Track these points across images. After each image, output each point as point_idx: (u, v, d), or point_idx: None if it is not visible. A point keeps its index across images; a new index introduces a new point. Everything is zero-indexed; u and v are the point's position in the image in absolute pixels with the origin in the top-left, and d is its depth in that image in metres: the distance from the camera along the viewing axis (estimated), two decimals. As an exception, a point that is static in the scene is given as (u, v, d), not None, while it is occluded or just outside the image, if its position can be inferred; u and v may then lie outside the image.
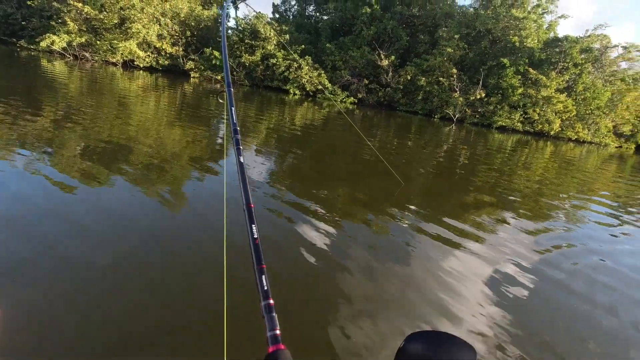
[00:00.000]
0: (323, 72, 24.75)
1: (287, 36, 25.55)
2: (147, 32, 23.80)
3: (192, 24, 25.71)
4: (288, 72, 24.18)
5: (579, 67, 23.16)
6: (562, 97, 22.57)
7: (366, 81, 25.41)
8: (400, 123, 19.37)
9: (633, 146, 25.78)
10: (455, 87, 23.95)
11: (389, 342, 2.52)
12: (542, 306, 3.36)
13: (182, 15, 25.48)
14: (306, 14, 33.93)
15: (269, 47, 24.66)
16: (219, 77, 24.97)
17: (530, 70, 22.75)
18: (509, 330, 2.84)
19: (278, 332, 0.36)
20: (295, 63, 23.95)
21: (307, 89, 24.34)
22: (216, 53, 24.38)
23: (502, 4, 24.29)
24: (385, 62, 24.79)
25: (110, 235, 3.34)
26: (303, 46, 25.34)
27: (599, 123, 24.08)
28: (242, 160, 0.51)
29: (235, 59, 25.01)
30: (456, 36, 24.23)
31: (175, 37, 25.69)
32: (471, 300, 3.18)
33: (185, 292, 2.71)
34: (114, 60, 24.33)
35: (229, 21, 30.12)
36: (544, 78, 22.37)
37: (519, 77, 23.04)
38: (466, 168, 9.66)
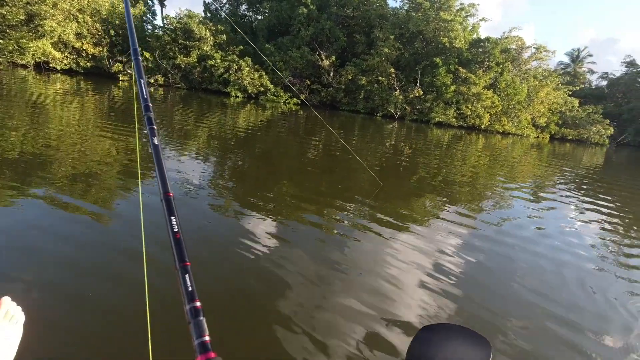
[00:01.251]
0: (264, 73, 24.18)
1: (224, 37, 24.56)
2: (64, 31, 21.33)
3: (116, 22, 23.59)
4: (228, 74, 23.21)
5: (501, 66, 25.36)
6: (490, 93, 24.54)
7: (308, 82, 25.35)
8: (344, 122, 19.55)
9: (548, 136, 28.90)
10: (395, 86, 24.83)
11: (330, 340, 2.33)
12: (491, 275, 3.61)
13: (104, 12, 23.26)
14: (239, 13, 32.99)
15: (205, 48, 23.50)
16: (152, 80, 23.24)
17: (460, 69, 24.40)
18: (459, 303, 2.92)
19: (207, 338, 0.33)
20: (234, 64, 23.09)
21: (249, 91, 23.60)
22: (147, 54, 22.66)
23: (430, 7, 25.71)
24: (326, 63, 24.94)
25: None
26: (241, 47, 24.55)
27: (520, 116, 26.57)
28: (156, 142, 0.45)
29: (169, 60, 23.46)
30: (391, 37, 25.14)
31: (97, 36, 23.38)
32: (420, 281, 3.23)
33: (106, 302, 2.46)
34: (24, 62, 21.42)
35: (154, 19, 28.29)
36: (473, 76, 24.12)
37: (451, 75, 24.59)
38: (409, 162, 9.99)
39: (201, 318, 0.35)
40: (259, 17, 31.44)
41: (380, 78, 24.83)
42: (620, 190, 10.08)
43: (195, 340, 0.34)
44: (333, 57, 25.17)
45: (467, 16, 27.35)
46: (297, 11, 26.12)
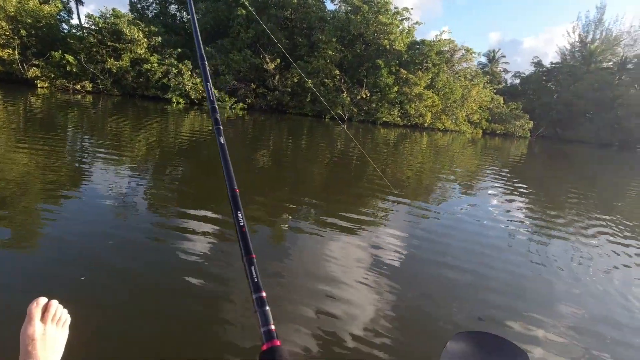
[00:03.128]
0: (206, 77, 22.97)
1: (159, 38, 22.90)
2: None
3: (28, 21, 20.80)
4: (167, 78, 21.63)
5: (437, 67, 26.86)
6: (430, 93, 25.85)
7: (253, 85, 24.60)
8: (292, 126, 19.27)
9: (480, 131, 31.27)
10: (342, 88, 25.08)
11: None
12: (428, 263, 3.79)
13: (11, 9, 20.33)
14: (169, 13, 30.98)
15: (138, 51, 21.68)
16: (78, 87, 20.90)
17: (402, 70, 25.38)
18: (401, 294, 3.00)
19: (272, 327, 0.34)
20: (173, 68, 21.61)
21: (192, 97, 22.23)
22: (70, 58, 20.32)
23: (369, 10, 26.41)
24: (271, 66, 24.42)
25: None
26: (179, 49, 23.08)
27: (457, 114, 28.40)
28: (222, 141, 0.46)
29: (97, 64, 21.28)
30: (334, 39, 25.39)
31: (4, 37, 20.44)
32: (370, 275, 3.27)
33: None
34: None
35: (71, 18, 25.53)
36: (413, 77, 25.24)
37: (393, 76, 25.49)
38: (359, 161, 10.11)
39: (267, 308, 0.36)
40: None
41: (325, 80, 24.95)
42: (541, 175, 12.06)
43: (261, 328, 0.35)
44: (278, 60, 24.71)
45: (402, 20, 28.59)
46: (236, 12, 25.25)
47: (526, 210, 6.51)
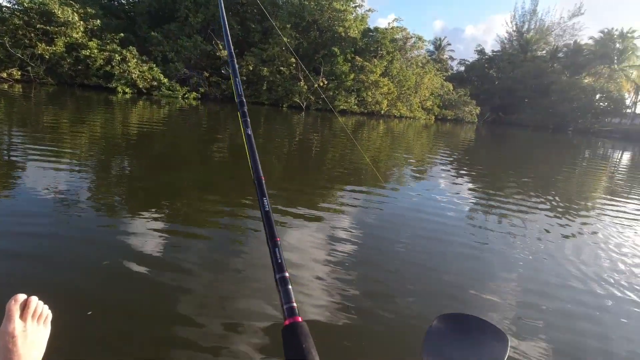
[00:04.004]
0: (154, 65, 21.48)
1: (98, 22, 20.97)
2: None
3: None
4: (110, 66, 19.89)
5: (391, 55, 27.30)
6: (386, 80, 26.24)
7: (206, 74, 23.39)
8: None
9: (433, 117, 32.49)
10: (299, 75, 24.67)
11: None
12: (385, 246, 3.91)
13: None
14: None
15: (74, 35, 19.70)
16: (4, 74, 18.64)
17: (357, 57, 25.46)
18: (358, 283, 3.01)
19: (294, 304, 0.36)
20: (117, 55, 19.91)
21: (140, 86, 20.67)
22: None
23: (323, -4, 26.09)
24: (224, 53, 23.32)
25: None
26: (122, 34, 21.31)
27: (411, 101, 29.18)
28: (249, 132, 0.51)
29: (25, 49, 19.06)
30: (288, 26, 24.81)
31: None
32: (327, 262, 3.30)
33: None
34: None
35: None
36: (369, 64, 25.45)
37: (349, 64, 25.51)
38: (318, 150, 10.16)
39: (289, 286, 0.38)
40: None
41: (281, 68, 24.38)
42: (487, 158, 13.09)
43: (284, 306, 0.36)
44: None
45: (355, 7, 28.61)
46: (182, -5, 23.77)
47: (474, 192, 6.95)
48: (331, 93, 25.29)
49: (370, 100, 26.27)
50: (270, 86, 24.59)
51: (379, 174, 7.46)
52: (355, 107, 25.99)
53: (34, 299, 0.97)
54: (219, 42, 23.54)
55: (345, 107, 25.74)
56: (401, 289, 2.97)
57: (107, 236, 3.36)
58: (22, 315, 0.94)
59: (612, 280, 3.44)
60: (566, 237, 4.68)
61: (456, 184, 7.50)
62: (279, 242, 0.42)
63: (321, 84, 24.63)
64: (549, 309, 2.84)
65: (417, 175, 8.02)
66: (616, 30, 40.44)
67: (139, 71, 20.54)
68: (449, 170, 8.90)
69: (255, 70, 23.95)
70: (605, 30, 41.17)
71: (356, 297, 2.77)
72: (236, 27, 25.39)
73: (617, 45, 39.98)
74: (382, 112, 27.19)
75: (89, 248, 3.10)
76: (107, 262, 2.83)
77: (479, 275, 3.39)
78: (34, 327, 0.95)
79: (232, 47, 0.73)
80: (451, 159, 11.17)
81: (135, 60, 20.46)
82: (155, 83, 21.13)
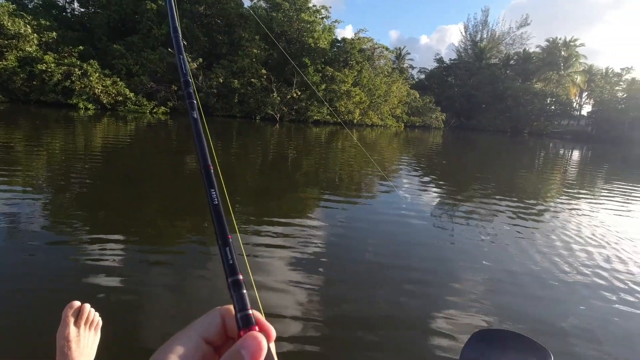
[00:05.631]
0: (118, 79, 20.37)
1: (54, 34, 19.64)
2: None
3: None
4: (70, 81, 18.60)
5: (360, 65, 27.75)
6: (357, 90, 26.58)
7: (174, 87, 22.52)
8: (220, 129, 18.10)
9: (402, 124, 33.30)
10: (271, 87, 24.39)
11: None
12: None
13: None
14: (58, 4, 26.67)
15: (27, 49, 18.30)
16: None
17: (327, 68, 25.63)
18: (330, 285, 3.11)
19: (250, 312, 0.34)
20: (77, 69, 18.69)
21: (104, 102, 19.50)
22: None
23: (290, 8, 26.12)
24: (193, 65, 22.64)
25: None
26: (80, 47, 20.08)
27: (382, 109, 29.76)
28: (195, 115, 0.46)
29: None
30: (256, 37, 24.56)
31: None
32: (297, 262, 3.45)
33: None
34: None
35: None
36: (340, 74, 25.69)
37: (319, 74, 25.61)
38: (293, 162, 10.13)
39: (243, 291, 0.35)
40: (84, 10, 26.10)
41: (252, 80, 24.00)
42: (453, 161, 13.98)
43: (238, 314, 0.34)
44: (200, 59, 23.01)
45: (322, 18, 28.91)
46: (144, 7, 22.86)
47: (441, 195, 7.33)
48: (304, 104, 25.23)
49: (343, 109, 26.49)
50: (241, 98, 24.10)
51: (383, 172, 7.57)
52: (329, 117, 26.08)
53: (87, 306, 1.03)
54: (187, 54, 22.77)
55: (318, 118, 25.75)
56: (369, 292, 3.02)
57: (62, 261, 3.15)
58: (77, 322, 1.00)
59: (567, 266, 3.79)
60: (526, 230, 5.02)
61: (425, 188, 7.83)
62: (230, 241, 0.38)
63: (295, 95, 24.50)
64: (512, 293, 3.14)
65: (389, 182, 8.17)
66: (560, 39, 43.82)
67: (102, 86, 19.42)
68: (419, 175, 9.40)
69: (226, 83, 23.41)
70: (551, 39, 44.52)
71: (323, 302, 2.77)
72: (202, 39, 24.79)
73: (562, 52, 43.25)
74: (355, 121, 27.49)
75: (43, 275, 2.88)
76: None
77: (447, 271, 3.55)
78: (86, 332, 1.01)
79: (177, 20, 0.68)
80: (421, 164, 11.80)
81: (97, 74, 19.32)
82: (120, 98, 20.05)
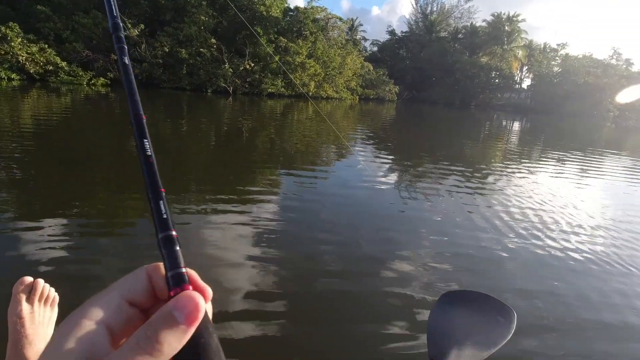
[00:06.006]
0: (46, 45, 18.20)
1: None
2: None
3: None
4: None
5: (314, 35, 27.06)
6: (312, 62, 26.01)
7: (114, 56, 20.54)
8: (168, 103, 17.04)
9: (357, 97, 33.39)
10: (223, 58, 23.11)
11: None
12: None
13: None
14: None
15: None
16: None
17: (281, 38, 24.72)
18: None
19: (184, 270, 0.31)
20: (-7, 34, 16.40)
21: (31, 71, 17.40)
22: None
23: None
24: (134, 32, 20.75)
25: None
26: (-4, 8, 17.59)
27: (337, 82, 29.50)
28: (126, 61, 0.42)
29: None
30: (203, 2, 22.96)
31: None
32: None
33: None
34: None
35: None
36: (294, 45, 24.91)
37: (273, 45, 24.66)
38: (249, 135, 9.90)
39: (177, 248, 0.31)
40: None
41: (201, 50, 22.57)
42: (405, 133, 14.46)
43: (168, 273, 0.30)
44: (142, 25, 21.11)
45: (273, -15, 27.58)
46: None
47: (395, 166, 7.52)
48: (257, 76, 24.31)
49: (298, 82, 25.94)
50: (190, 70, 22.66)
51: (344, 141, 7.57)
52: (283, 89, 25.43)
53: (41, 281, 0.97)
54: (125, 19, 20.80)
55: (272, 90, 25.02)
56: (324, 263, 3.05)
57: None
58: (29, 298, 0.94)
59: (513, 228, 4.10)
60: (474, 196, 5.40)
61: (379, 159, 7.97)
62: (163, 194, 0.34)
63: (248, 67, 23.48)
64: (459, 255, 3.36)
65: (344, 153, 8.28)
66: (504, 14, 45.60)
67: (27, 53, 17.27)
68: (373, 146, 9.61)
69: (172, 52, 21.82)
70: (496, 13, 46.20)
71: (275, 275, 2.79)
72: (143, 3, 22.68)
73: (506, 27, 45.16)
74: (310, 93, 27.11)
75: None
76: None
77: (401, 238, 3.71)
78: (41, 309, 0.95)
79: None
80: (376, 136, 12.08)
81: (19, 39, 17.10)
82: (50, 67, 18.01)
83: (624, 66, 44.76)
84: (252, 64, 23.93)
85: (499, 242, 3.67)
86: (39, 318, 0.94)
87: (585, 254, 3.59)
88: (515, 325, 0.81)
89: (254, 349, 2.04)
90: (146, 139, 0.38)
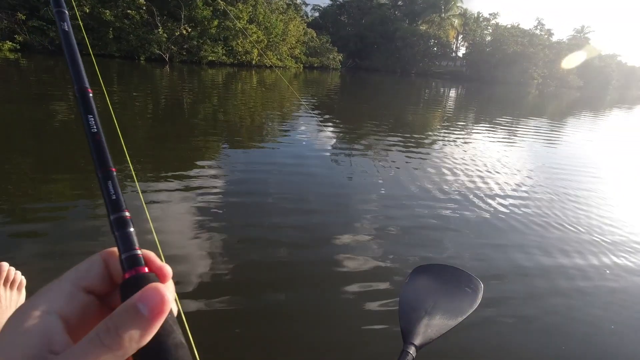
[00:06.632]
0: None
1: None
2: None
3: None
4: None
5: (254, -1, 25.63)
6: (254, 27, 24.71)
7: (21, 16, 17.81)
8: (95, 71, 15.35)
9: (301, 65, 32.67)
10: (155, 22, 21.06)
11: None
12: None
13: None
14: None
15: None
16: None
17: (219, 1, 23.04)
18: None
19: (139, 252, 0.31)
20: None
21: None
22: None
23: None
24: (44, -12, 18.03)
25: None
26: None
27: (280, 49, 28.49)
28: (66, 28, 0.38)
29: None
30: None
31: None
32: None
33: None
34: None
35: None
36: (233, 9, 23.39)
37: (210, 8, 22.94)
38: (189, 107, 9.41)
39: (130, 229, 0.31)
40: None
41: (129, 12, 20.35)
42: (349, 101, 14.43)
43: (122, 255, 0.30)
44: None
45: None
46: None
47: (339, 135, 7.53)
48: (195, 43, 22.63)
49: (240, 50, 24.63)
50: (118, 34, 20.42)
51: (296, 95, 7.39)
52: (224, 57, 24.04)
53: (6, 265, 0.95)
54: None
55: (213, 58, 23.54)
56: (277, 234, 3.07)
57: None
58: None
59: (454, 191, 4.44)
60: (416, 161, 5.73)
61: (323, 129, 7.96)
62: (114, 174, 0.32)
63: (184, 32, 21.71)
64: (404, 216, 3.60)
65: (288, 125, 8.17)
66: (441, -19, 46.54)
67: None
68: (318, 115, 9.66)
69: (94, 14, 19.42)
70: (434, -20, 46.97)
71: (228, 251, 2.78)
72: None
73: (444, -5, 46.32)
74: (253, 62, 25.98)
75: None
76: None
77: (348, 206, 3.83)
78: (8, 293, 0.94)
79: None
80: (322, 104, 12.11)
81: None
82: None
83: (546, 36, 48.56)
84: (189, 29, 22.17)
85: (432, 208, 3.90)
86: (6, 302, 0.92)
87: (522, 211, 4.00)
88: (482, 294, 0.86)
89: (207, 325, 2.00)
90: (92, 114, 0.36)
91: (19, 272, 0.98)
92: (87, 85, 0.37)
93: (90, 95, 0.37)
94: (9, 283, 0.95)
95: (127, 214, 0.31)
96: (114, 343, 0.23)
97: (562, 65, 45.57)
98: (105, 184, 0.32)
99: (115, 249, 0.31)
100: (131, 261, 0.30)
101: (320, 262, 2.71)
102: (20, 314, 0.25)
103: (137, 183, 3.85)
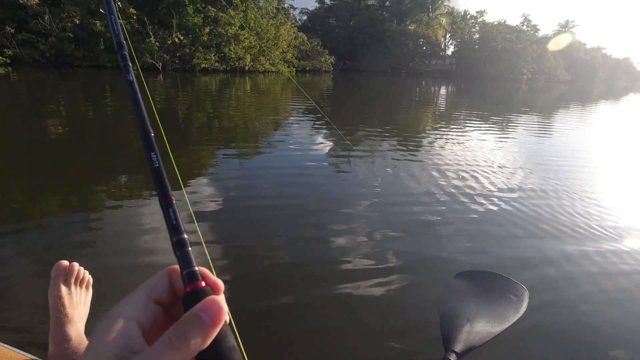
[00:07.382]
0: None
1: None
2: None
3: None
4: None
5: (244, 4, 25.55)
6: (246, 33, 24.65)
7: (10, 29, 17.53)
8: (86, 83, 15.15)
9: (294, 69, 32.66)
10: (147, 31, 20.90)
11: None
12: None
13: None
14: None
15: None
16: None
17: (210, 7, 22.96)
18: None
19: (196, 268, 0.35)
20: None
21: None
22: None
23: None
24: (33, 0, 17.78)
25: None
26: None
27: (272, 54, 28.46)
28: (131, 78, 0.46)
29: None
30: (115, -34, 20.27)
31: None
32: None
33: None
34: None
35: None
36: (225, 15, 23.31)
37: (201, 15, 22.84)
38: (185, 117, 9.34)
39: (188, 249, 0.36)
40: None
41: (120, 21, 20.02)
42: (342, 102, 14.63)
43: (183, 271, 0.35)
44: (42, -8, 18.15)
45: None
46: None
47: (333, 137, 7.56)
48: (187, 50, 22.49)
49: (233, 56, 24.55)
50: (110, 45, 20.20)
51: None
52: (217, 64, 23.94)
53: (76, 265, 1.05)
54: (20, -14, 17.73)
55: (206, 65, 23.42)
56: (274, 236, 3.12)
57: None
58: (67, 281, 1.02)
59: (446, 188, 4.49)
60: (409, 160, 5.83)
61: (317, 131, 8.04)
62: (174, 202, 0.38)
63: (176, 40, 21.58)
64: (399, 213, 3.70)
65: (284, 129, 8.22)
66: (427, -19, 46.94)
67: None
68: (310, 120, 9.58)
69: (85, 25, 19.20)
70: (419, -20, 47.35)
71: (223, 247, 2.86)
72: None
73: (430, -6, 46.73)
74: (247, 68, 25.92)
75: None
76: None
77: (343, 203, 3.93)
78: (77, 290, 1.04)
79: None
80: (316, 109, 11.93)
81: None
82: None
83: (532, 32, 49.25)
84: (181, 37, 22.03)
85: (430, 205, 3.97)
86: (76, 299, 1.02)
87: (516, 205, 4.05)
88: (528, 302, 0.83)
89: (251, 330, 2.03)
90: (154, 152, 0.40)
91: (87, 272, 1.08)
92: (149, 127, 0.42)
93: (152, 135, 0.41)
94: (79, 281, 1.05)
95: (185, 235, 0.37)
96: (183, 345, 0.28)
97: (547, 47, 46.39)
98: (167, 211, 0.37)
99: (176, 266, 0.36)
100: (191, 276, 0.35)
101: (358, 270, 2.69)
102: (108, 319, 0.31)
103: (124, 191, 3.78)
